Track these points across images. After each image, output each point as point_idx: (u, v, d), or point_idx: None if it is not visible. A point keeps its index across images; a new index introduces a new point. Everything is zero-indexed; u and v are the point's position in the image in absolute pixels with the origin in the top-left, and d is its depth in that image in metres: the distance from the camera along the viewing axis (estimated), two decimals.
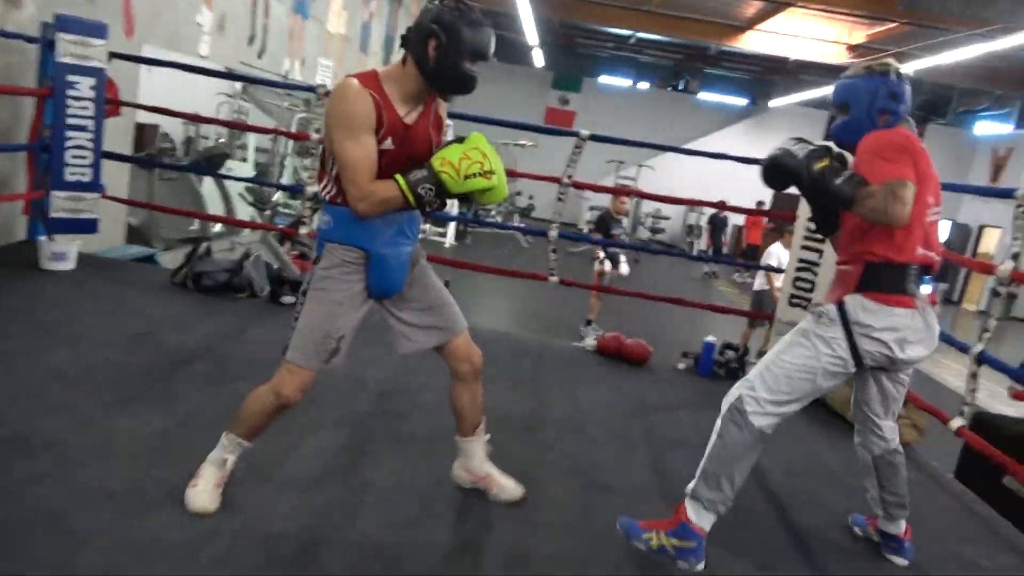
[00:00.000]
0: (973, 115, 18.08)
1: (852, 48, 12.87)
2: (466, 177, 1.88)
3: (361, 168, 1.90)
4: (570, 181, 4.61)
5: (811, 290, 4.22)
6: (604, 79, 21.30)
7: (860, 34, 12.41)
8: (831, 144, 2.14)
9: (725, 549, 2.28)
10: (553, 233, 4.68)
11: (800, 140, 2.12)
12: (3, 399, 2.50)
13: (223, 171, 6.88)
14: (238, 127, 7.06)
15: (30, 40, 4.13)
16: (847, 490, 2.92)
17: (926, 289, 2.18)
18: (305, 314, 2.04)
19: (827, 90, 15.63)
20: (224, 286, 4.21)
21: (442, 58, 1.92)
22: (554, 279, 4.74)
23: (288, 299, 4.24)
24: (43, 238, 4.17)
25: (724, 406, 2.17)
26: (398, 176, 1.90)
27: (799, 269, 4.29)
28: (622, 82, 21.44)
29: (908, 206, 1.94)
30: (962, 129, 18.53)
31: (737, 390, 2.16)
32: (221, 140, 7.97)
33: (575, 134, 4.61)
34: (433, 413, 3.02)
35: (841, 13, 11.35)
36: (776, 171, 2.11)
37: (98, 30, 4.22)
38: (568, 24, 17.26)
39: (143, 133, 6.76)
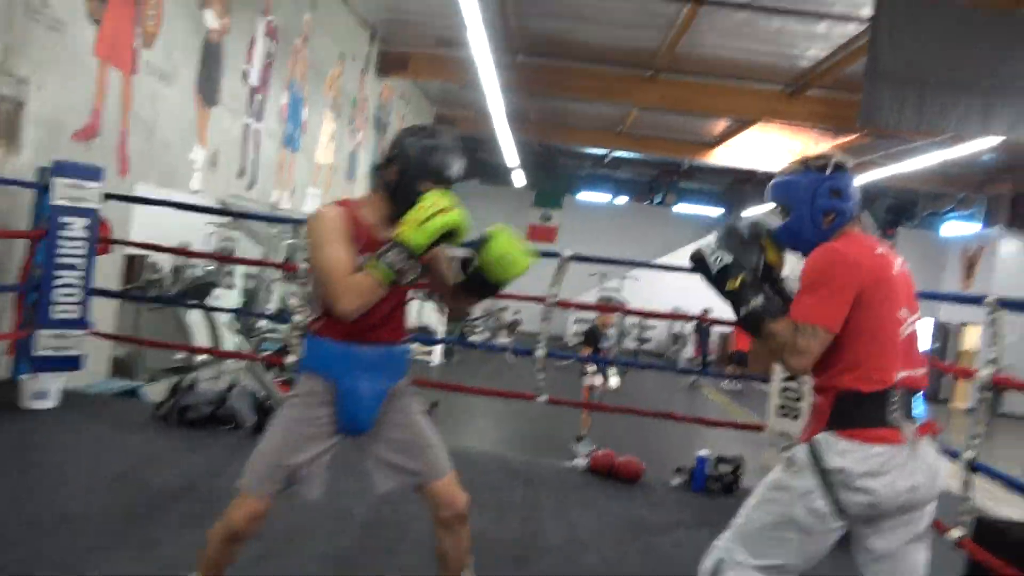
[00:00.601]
0: (940, 217, 18.74)
1: None
2: (421, 223, 1.84)
3: (336, 267, 1.90)
4: (555, 300, 4.70)
5: (798, 400, 4.22)
6: (584, 195, 22.07)
7: (825, 145, 13.05)
8: (762, 230, 1.97)
9: None
10: (540, 353, 4.71)
11: (729, 235, 1.95)
12: None
13: (211, 299, 6.95)
14: (226, 260, 7.20)
15: (26, 185, 4.28)
16: None
17: (919, 414, 1.85)
18: (264, 439, 2.02)
19: None
20: (209, 418, 4.16)
21: (401, 181, 1.98)
22: (542, 398, 4.73)
23: None
24: (25, 376, 4.14)
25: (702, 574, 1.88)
26: (372, 259, 1.89)
27: (784, 379, 4.32)
28: (601, 197, 22.20)
29: (807, 357, 1.79)
30: (932, 231, 19.17)
31: (715, 553, 1.89)
32: (209, 268, 8.10)
33: (556, 255, 4.74)
34: (424, 545, 2.91)
35: (802, 129, 11.99)
36: (698, 272, 1.96)
37: (94, 173, 4.38)
38: (546, 145, 18.09)
39: (132, 264, 6.87)
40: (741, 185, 19.95)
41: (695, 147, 14.69)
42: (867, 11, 6.08)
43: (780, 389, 4.34)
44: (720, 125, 13.12)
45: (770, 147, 13.29)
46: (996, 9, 5.73)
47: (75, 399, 4.34)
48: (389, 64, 11.20)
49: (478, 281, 2.04)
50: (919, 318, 1.93)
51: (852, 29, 7.87)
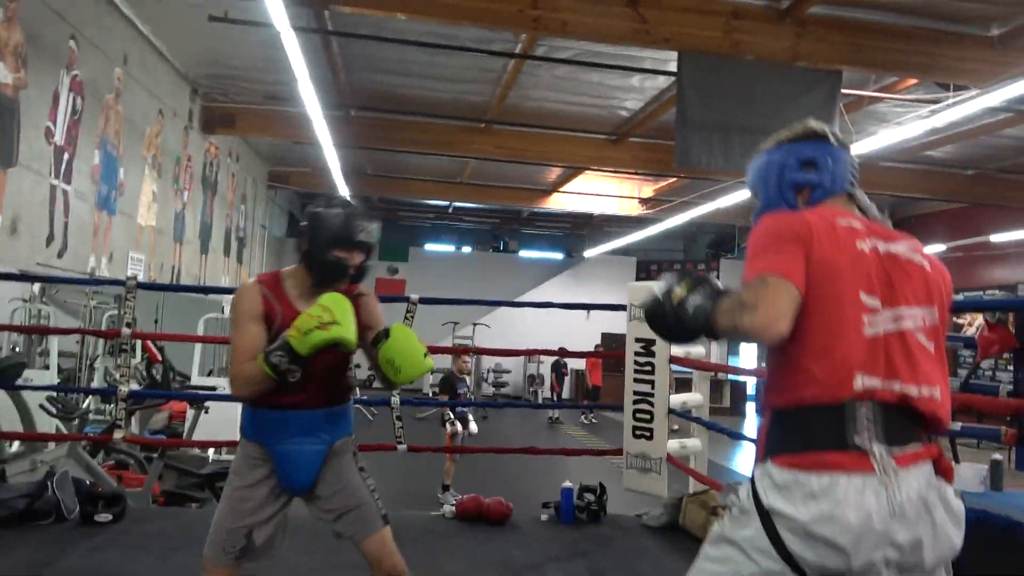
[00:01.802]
0: None
1: (644, 201, 14.47)
2: (305, 333, 1.91)
3: (239, 352, 2.02)
4: None
5: (651, 420, 4.41)
6: (429, 247, 22.14)
7: (648, 189, 14.03)
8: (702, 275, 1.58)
9: None
10: (395, 400, 4.59)
11: (679, 273, 1.61)
12: None
13: (20, 382, 6.16)
14: (36, 331, 6.46)
15: None
16: None
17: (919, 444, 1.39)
18: (217, 508, 2.11)
19: (631, 239, 17.36)
20: (24, 514, 3.64)
21: (312, 251, 2.10)
22: (402, 447, 4.60)
23: (103, 517, 3.73)
24: None
25: None
26: (260, 353, 1.96)
27: (635, 402, 4.49)
28: (447, 248, 22.39)
29: (759, 310, 1.33)
30: None
31: None
32: (17, 349, 7.21)
33: (406, 299, 4.68)
34: None
35: (628, 173, 12.84)
36: (655, 323, 1.56)
37: None
38: (387, 199, 18.04)
39: None
40: (579, 229, 20.92)
41: (533, 194, 15.25)
42: (673, 65, 6.64)
43: (632, 412, 4.51)
44: (554, 173, 13.72)
45: (601, 192, 14.08)
46: (776, 64, 6.48)
47: None
48: (214, 120, 10.74)
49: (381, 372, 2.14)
50: (930, 320, 1.46)
51: (663, 82, 8.57)
